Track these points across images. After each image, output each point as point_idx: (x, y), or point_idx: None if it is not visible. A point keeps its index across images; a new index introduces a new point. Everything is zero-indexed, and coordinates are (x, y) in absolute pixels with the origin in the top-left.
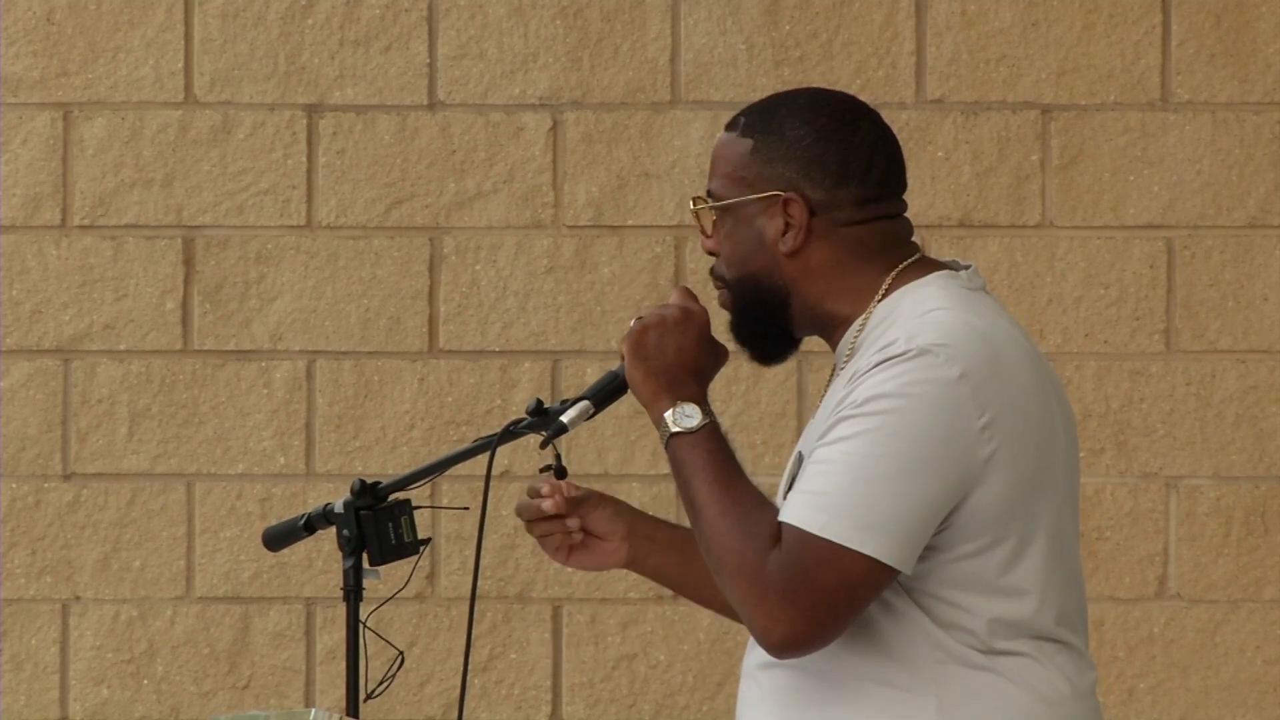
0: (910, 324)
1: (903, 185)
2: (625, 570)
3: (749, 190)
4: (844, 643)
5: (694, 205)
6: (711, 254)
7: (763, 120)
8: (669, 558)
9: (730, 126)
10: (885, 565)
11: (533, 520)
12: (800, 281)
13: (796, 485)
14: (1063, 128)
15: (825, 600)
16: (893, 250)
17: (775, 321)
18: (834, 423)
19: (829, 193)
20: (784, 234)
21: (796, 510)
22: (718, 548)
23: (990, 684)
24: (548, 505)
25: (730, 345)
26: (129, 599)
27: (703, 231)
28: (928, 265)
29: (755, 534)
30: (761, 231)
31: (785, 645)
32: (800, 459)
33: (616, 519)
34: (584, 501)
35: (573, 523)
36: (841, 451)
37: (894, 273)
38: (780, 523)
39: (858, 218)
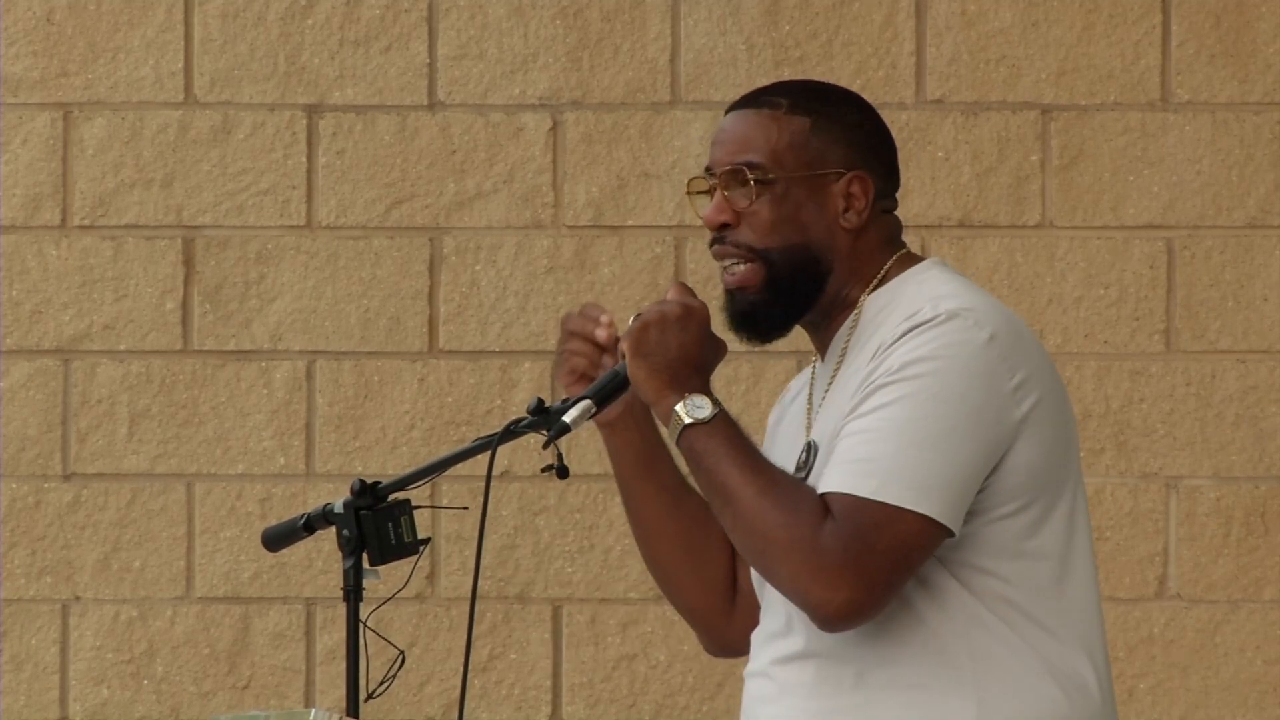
0: (928, 294)
1: None
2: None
3: (811, 167)
4: (878, 625)
5: (750, 174)
6: (724, 225)
7: (816, 101)
8: (642, 444)
9: (760, 104)
10: (938, 525)
11: (573, 335)
12: (846, 259)
13: (835, 458)
14: (1063, 128)
15: (883, 564)
16: (897, 244)
17: (808, 295)
18: (867, 394)
19: (883, 179)
20: (845, 210)
21: (844, 479)
22: (763, 526)
23: (1024, 667)
24: (602, 334)
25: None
26: (129, 599)
27: (726, 200)
28: (916, 257)
29: (802, 508)
30: (818, 207)
31: (843, 615)
32: (811, 448)
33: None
34: (618, 346)
35: (609, 359)
36: (883, 418)
37: (886, 265)
38: (828, 494)
39: (893, 207)
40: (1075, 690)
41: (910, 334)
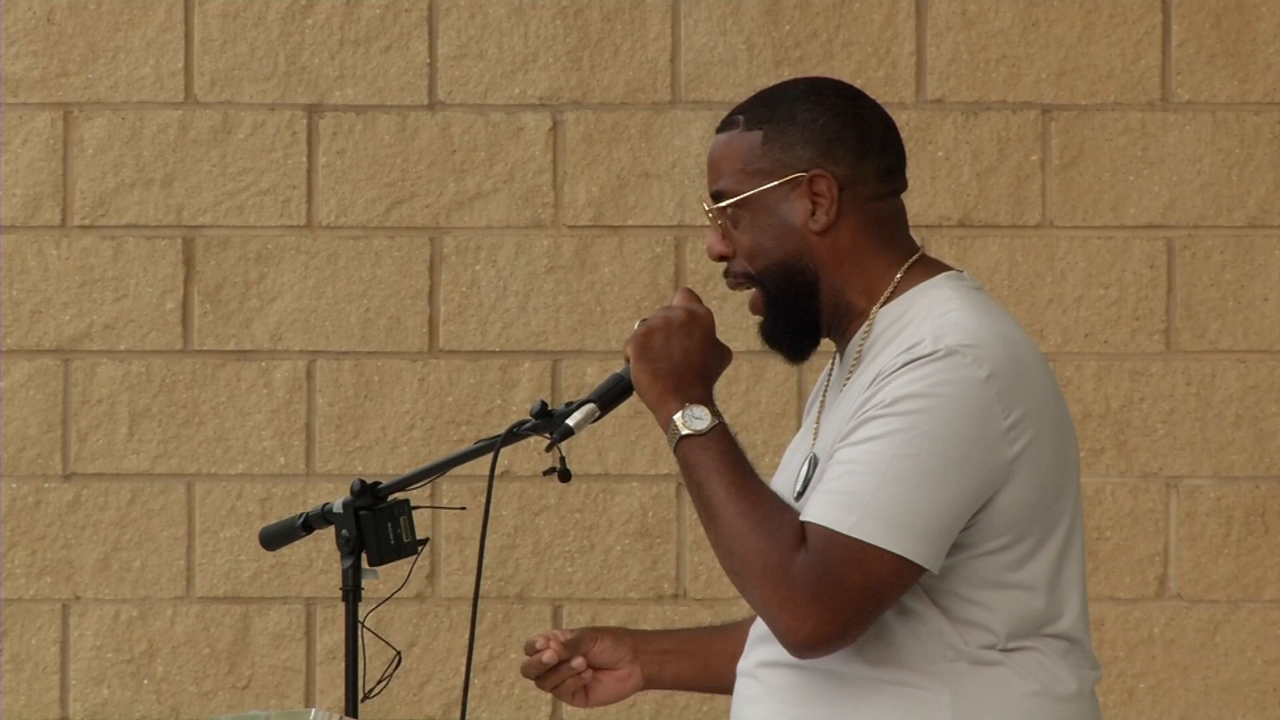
0: (933, 324)
1: (905, 159)
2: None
3: (768, 179)
4: (856, 644)
5: (710, 206)
6: (722, 257)
7: (767, 110)
8: (684, 664)
9: (726, 126)
10: (914, 564)
11: (540, 676)
12: (830, 263)
13: (821, 485)
14: (1063, 128)
15: (853, 600)
16: (902, 239)
17: (808, 308)
18: (859, 423)
19: (852, 167)
20: (813, 213)
21: (824, 510)
22: (739, 549)
23: (1003, 680)
24: (548, 656)
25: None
26: (129, 599)
27: (719, 234)
28: (932, 266)
29: (779, 535)
30: (788, 216)
31: (810, 645)
32: (813, 462)
33: (619, 646)
34: (581, 641)
35: (578, 663)
36: (869, 452)
37: (901, 270)
38: (806, 523)
39: (881, 191)
40: (1060, 702)
41: (907, 367)
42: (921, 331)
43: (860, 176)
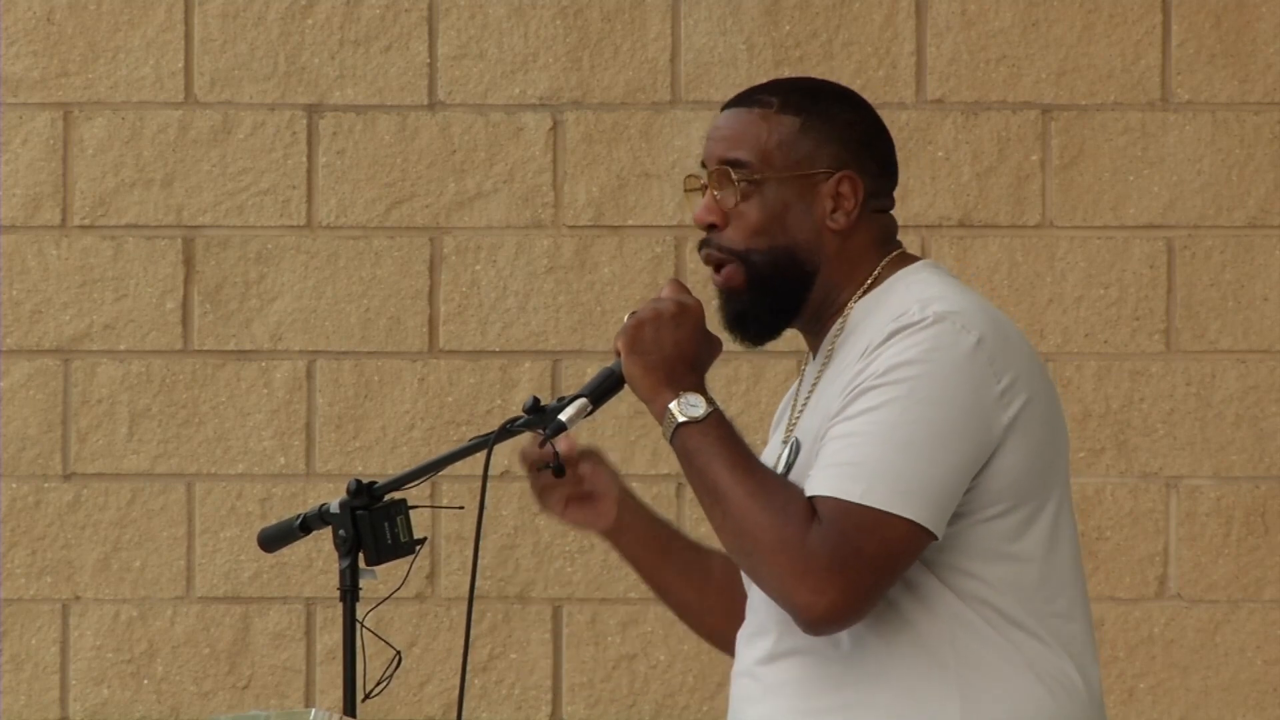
0: (916, 297)
1: None
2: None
3: (800, 166)
4: (863, 625)
5: (736, 173)
6: (711, 226)
7: (807, 100)
8: (648, 537)
9: (752, 103)
10: (924, 529)
11: (537, 468)
12: (833, 261)
13: (821, 461)
14: (1063, 128)
15: (870, 568)
16: (890, 245)
17: (794, 296)
18: (853, 397)
19: (874, 180)
20: (833, 211)
21: (831, 482)
22: (751, 527)
23: (1009, 668)
24: (563, 445)
25: (717, 324)
26: (129, 599)
27: (715, 200)
28: (909, 258)
29: (790, 510)
30: (808, 207)
31: (828, 618)
32: (793, 445)
33: (614, 479)
34: (586, 454)
35: (584, 468)
36: (869, 422)
37: (878, 268)
38: (814, 497)
39: (887, 206)
40: (1061, 690)
41: (897, 336)
42: (907, 303)
43: (880, 189)
